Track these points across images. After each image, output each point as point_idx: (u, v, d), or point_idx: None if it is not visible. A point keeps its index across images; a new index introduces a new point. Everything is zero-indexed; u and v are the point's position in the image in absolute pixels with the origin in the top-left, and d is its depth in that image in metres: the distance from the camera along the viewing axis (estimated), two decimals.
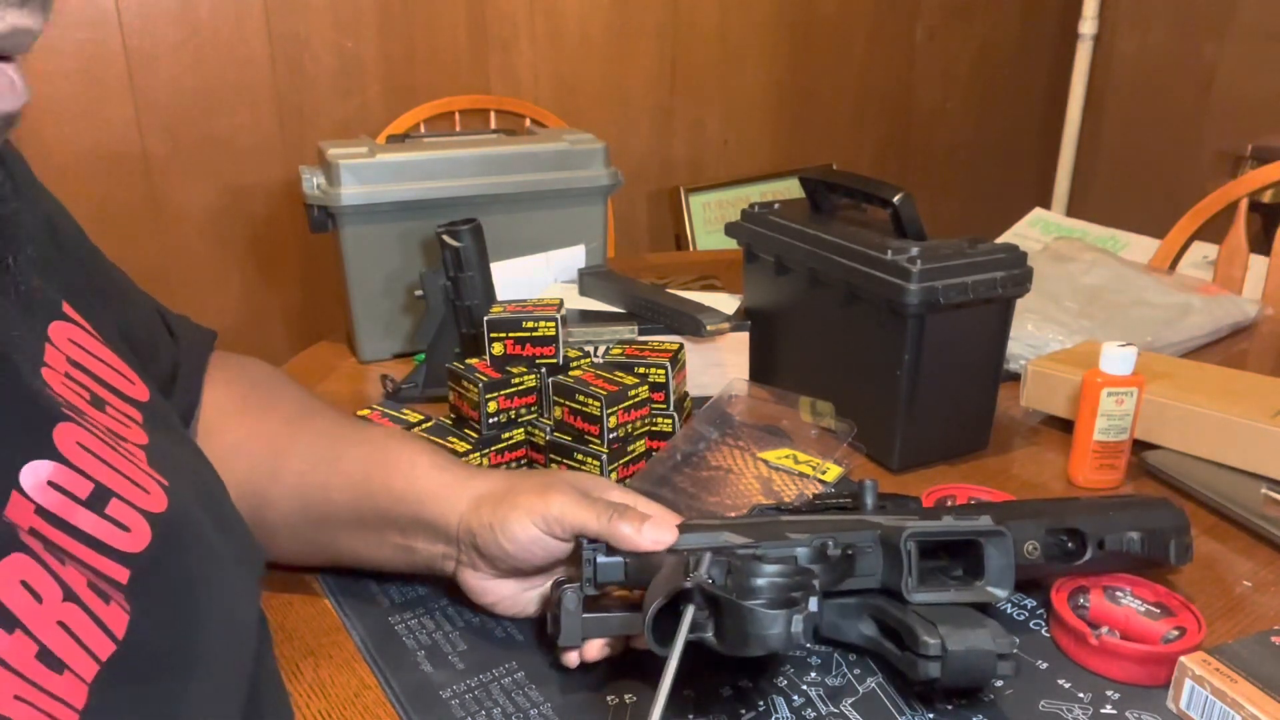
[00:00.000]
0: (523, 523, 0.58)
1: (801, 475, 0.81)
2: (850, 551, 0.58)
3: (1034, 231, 2.23)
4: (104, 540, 0.41)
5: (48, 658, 0.36)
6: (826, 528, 0.60)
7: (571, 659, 0.59)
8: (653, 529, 0.56)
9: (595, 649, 0.59)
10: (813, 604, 0.49)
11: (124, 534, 0.42)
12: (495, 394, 0.84)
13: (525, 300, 0.93)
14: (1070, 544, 0.64)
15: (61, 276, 0.51)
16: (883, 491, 0.65)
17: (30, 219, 0.52)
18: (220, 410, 0.68)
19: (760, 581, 0.51)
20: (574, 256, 1.19)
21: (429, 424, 0.85)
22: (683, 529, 0.58)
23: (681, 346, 0.90)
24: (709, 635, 0.50)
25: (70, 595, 0.38)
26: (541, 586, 0.63)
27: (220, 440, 0.66)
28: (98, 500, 0.42)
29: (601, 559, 0.57)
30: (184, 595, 0.44)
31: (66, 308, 0.49)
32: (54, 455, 0.41)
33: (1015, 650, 0.55)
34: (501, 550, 0.59)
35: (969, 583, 0.59)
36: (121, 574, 0.41)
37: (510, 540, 0.58)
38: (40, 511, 0.39)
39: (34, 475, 0.40)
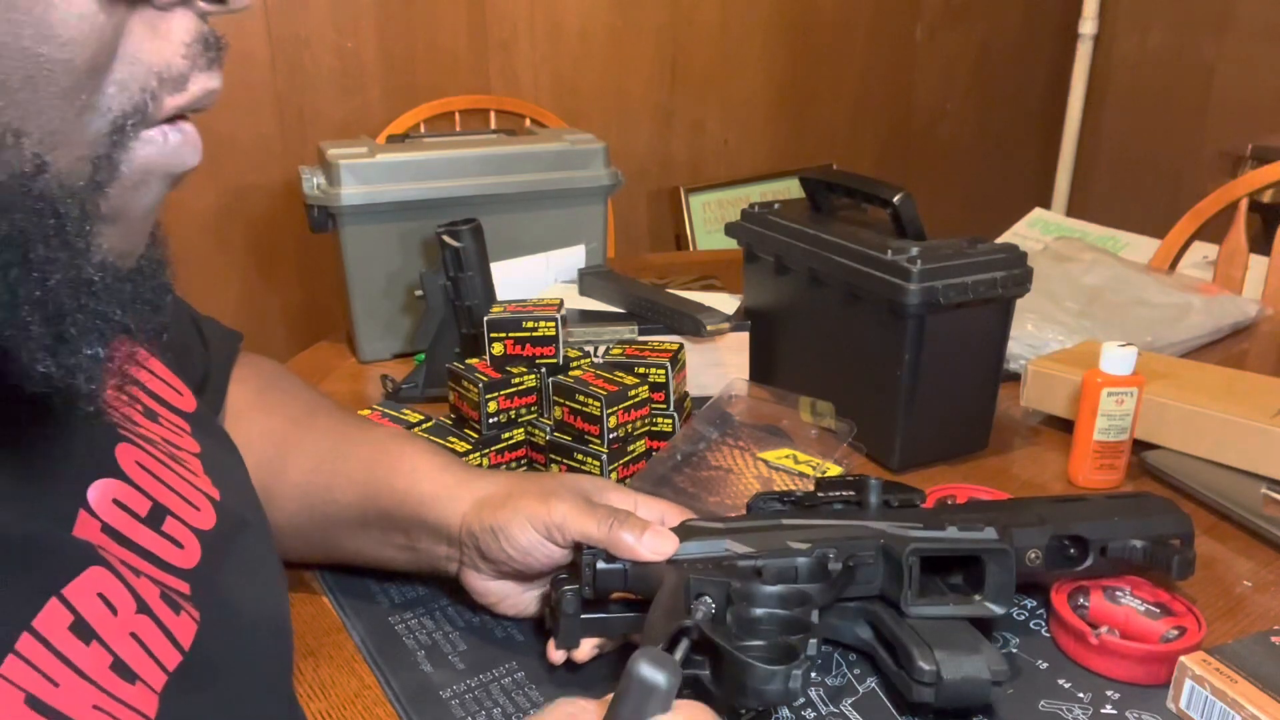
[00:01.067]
0: (524, 528, 0.58)
1: (801, 475, 0.81)
2: (852, 563, 0.58)
3: (1034, 231, 2.23)
4: (162, 557, 0.43)
5: (121, 668, 0.37)
6: (828, 534, 0.60)
7: (557, 657, 0.59)
8: (653, 538, 0.56)
9: (586, 650, 0.59)
10: (811, 647, 0.49)
11: (178, 550, 0.44)
12: (495, 394, 0.84)
13: (525, 300, 0.93)
14: (1072, 550, 0.64)
15: None
16: (888, 480, 0.65)
17: None
18: (233, 408, 0.69)
19: (759, 612, 0.51)
20: (574, 256, 1.19)
21: (429, 424, 0.85)
22: (683, 534, 0.58)
23: (681, 346, 0.90)
24: (705, 673, 0.50)
25: (144, 607, 0.39)
26: (543, 587, 0.63)
27: (233, 436, 0.67)
28: (155, 518, 0.43)
29: (601, 565, 0.57)
30: (235, 607, 0.46)
31: None
32: (118, 474, 0.42)
33: (1008, 679, 0.55)
34: (503, 554, 0.59)
35: (968, 595, 0.59)
36: (184, 587, 0.43)
37: (511, 545, 0.59)
38: (106, 529, 0.40)
39: (99, 493, 0.41)
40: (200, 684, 0.41)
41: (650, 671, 0.41)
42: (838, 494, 0.65)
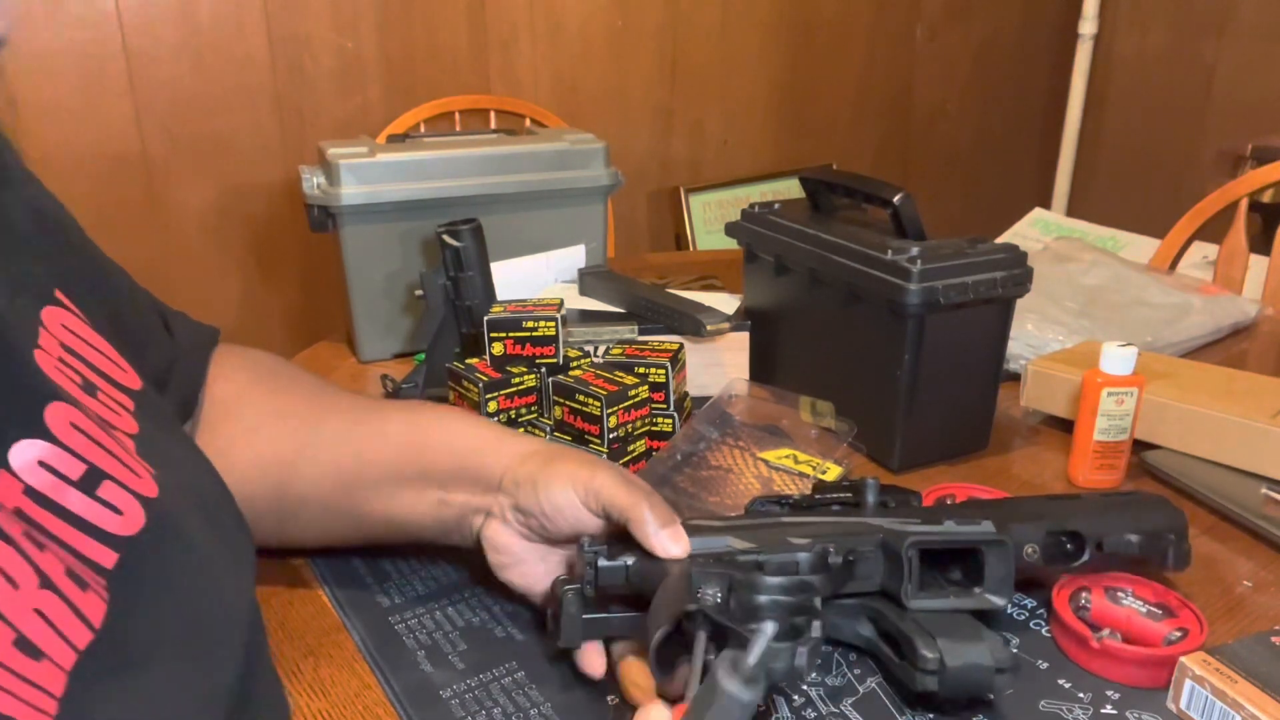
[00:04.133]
0: (564, 487, 0.59)
1: (801, 475, 0.81)
2: (851, 558, 0.58)
3: (1034, 231, 2.23)
4: (94, 522, 0.41)
5: (25, 645, 0.36)
6: (828, 530, 0.60)
7: (595, 666, 0.59)
8: (671, 534, 0.56)
9: (598, 664, 0.59)
10: (816, 629, 0.49)
11: (116, 517, 0.42)
12: (495, 394, 0.84)
13: (525, 300, 0.93)
14: (1069, 545, 0.64)
15: (52, 265, 0.51)
16: (885, 483, 0.65)
17: (17, 204, 0.52)
18: (237, 393, 0.69)
19: (763, 599, 0.51)
20: (574, 256, 1.19)
21: None
22: (684, 529, 0.58)
23: (681, 346, 0.90)
24: (711, 657, 0.49)
25: (47, 583, 0.38)
26: (558, 566, 0.63)
27: (238, 421, 0.67)
28: (90, 481, 0.42)
29: (603, 563, 0.57)
30: (170, 583, 0.44)
31: (58, 294, 0.49)
32: (45, 435, 0.41)
33: (1011, 666, 0.55)
34: (538, 507, 0.59)
35: (968, 589, 0.59)
36: (108, 558, 0.41)
37: (548, 500, 0.59)
38: (29, 492, 0.39)
39: (23, 455, 0.40)
40: (115, 666, 0.39)
41: (736, 688, 0.40)
42: (835, 495, 0.65)
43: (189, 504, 0.48)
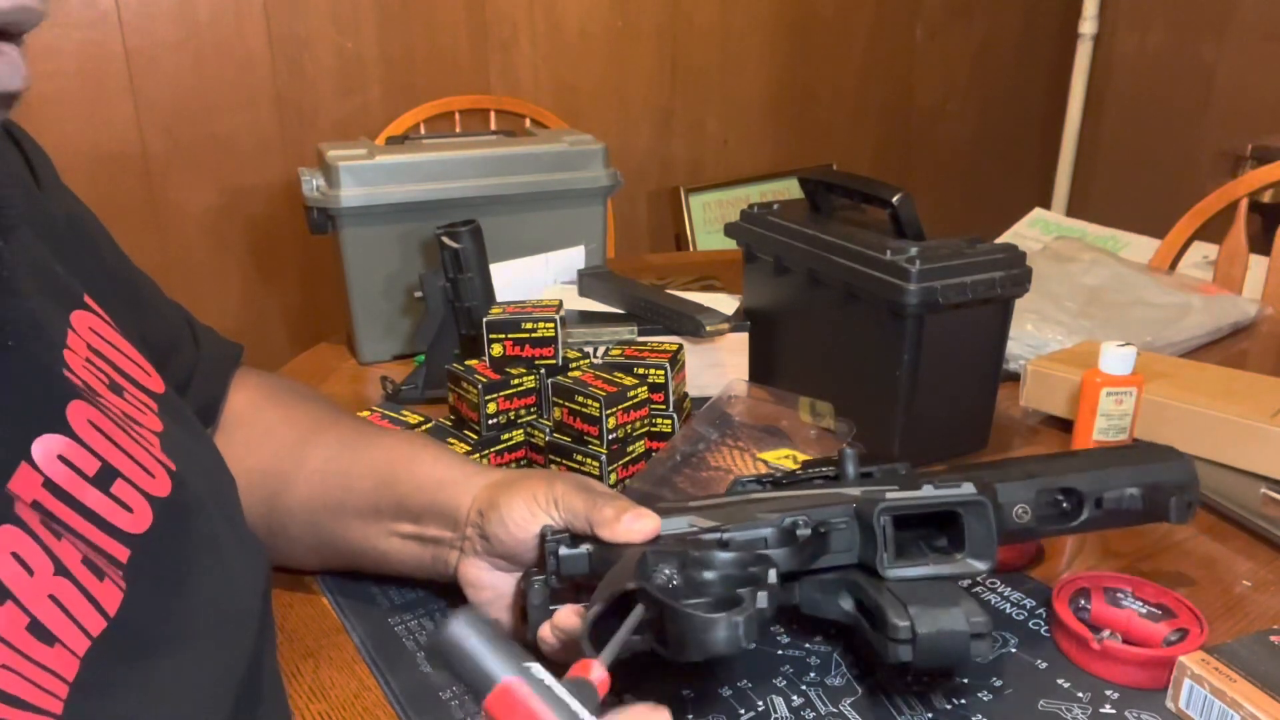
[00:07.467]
0: (528, 501, 0.59)
1: None
2: (822, 529, 0.56)
3: (1034, 231, 2.23)
4: (107, 518, 0.42)
5: (39, 630, 0.37)
6: (801, 504, 0.58)
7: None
8: (633, 518, 0.56)
9: (546, 633, 0.58)
10: (761, 600, 0.47)
11: (127, 514, 0.43)
12: (494, 395, 0.84)
13: (524, 301, 0.93)
14: (1065, 504, 0.61)
15: (84, 271, 0.53)
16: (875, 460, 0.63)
17: (55, 211, 0.54)
18: (252, 402, 0.70)
19: (710, 575, 0.49)
20: (573, 257, 1.19)
21: (428, 425, 0.85)
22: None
23: (681, 347, 0.90)
24: (651, 639, 0.48)
25: (61, 569, 0.39)
26: None
27: (251, 427, 0.69)
28: (104, 479, 0.43)
29: (565, 551, 0.57)
30: (181, 578, 0.45)
31: (88, 299, 0.51)
32: (66, 430, 0.42)
33: (988, 630, 0.52)
34: (504, 530, 0.59)
35: (949, 555, 0.57)
36: (122, 553, 0.42)
37: (512, 520, 0.59)
38: (48, 484, 0.40)
39: (45, 448, 0.41)
40: (129, 653, 0.40)
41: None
42: (818, 471, 0.63)
43: (208, 502, 0.50)
